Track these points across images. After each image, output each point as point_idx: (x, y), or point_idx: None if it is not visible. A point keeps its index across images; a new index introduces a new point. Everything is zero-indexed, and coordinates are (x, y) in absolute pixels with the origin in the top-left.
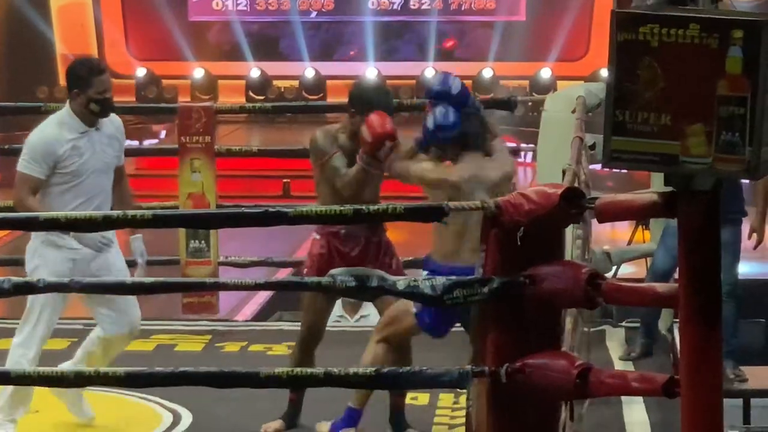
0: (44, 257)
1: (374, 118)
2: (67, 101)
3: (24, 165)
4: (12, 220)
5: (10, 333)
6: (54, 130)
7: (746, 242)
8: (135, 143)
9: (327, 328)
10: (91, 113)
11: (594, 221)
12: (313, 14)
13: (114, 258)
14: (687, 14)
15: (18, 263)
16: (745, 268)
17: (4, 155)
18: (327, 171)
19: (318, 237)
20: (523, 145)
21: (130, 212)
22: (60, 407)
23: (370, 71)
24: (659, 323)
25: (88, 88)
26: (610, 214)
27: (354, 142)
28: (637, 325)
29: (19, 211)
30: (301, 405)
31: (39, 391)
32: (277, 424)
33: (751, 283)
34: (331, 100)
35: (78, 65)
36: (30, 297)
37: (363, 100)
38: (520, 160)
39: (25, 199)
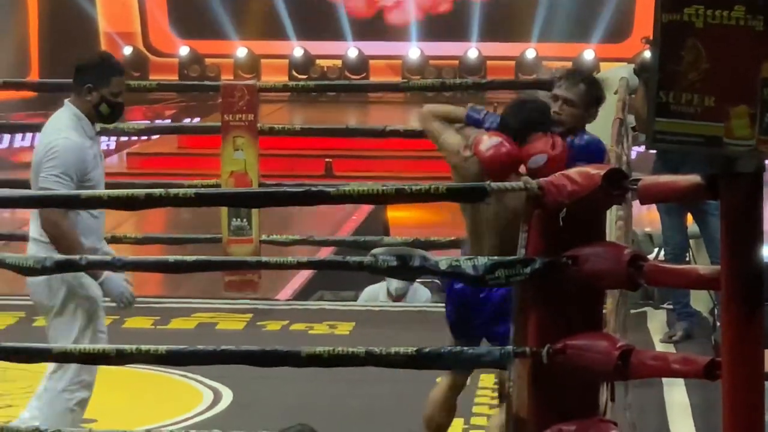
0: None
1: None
2: (72, 97)
3: (54, 180)
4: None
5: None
6: (76, 135)
7: None
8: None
9: (370, 309)
10: (99, 115)
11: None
12: None
13: None
14: None
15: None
16: None
17: None
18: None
19: None
20: None
21: (173, 191)
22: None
23: (413, 51)
24: (700, 305)
25: (104, 87)
26: (653, 195)
27: None
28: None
29: (55, 237)
30: None
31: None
32: None
33: None
34: (373, 78)
35: (100, 59)
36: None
37: None
38: None
39: (62, 224)
